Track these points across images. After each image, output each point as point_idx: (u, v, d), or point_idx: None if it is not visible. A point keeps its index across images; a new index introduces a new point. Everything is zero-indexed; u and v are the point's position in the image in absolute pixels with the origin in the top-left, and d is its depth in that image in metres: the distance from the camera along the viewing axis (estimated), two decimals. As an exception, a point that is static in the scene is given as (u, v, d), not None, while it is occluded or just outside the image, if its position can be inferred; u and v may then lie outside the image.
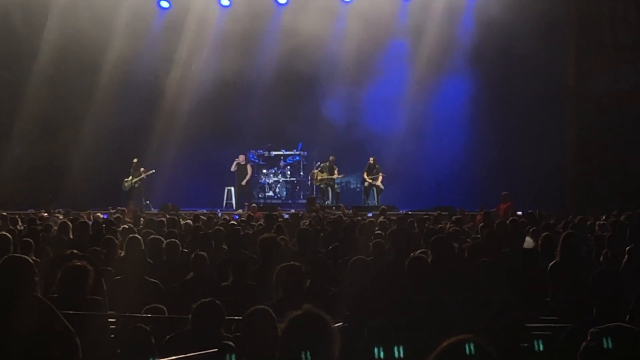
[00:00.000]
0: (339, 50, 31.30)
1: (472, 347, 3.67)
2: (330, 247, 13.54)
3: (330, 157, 30.56)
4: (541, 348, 5.74)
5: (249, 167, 30.93)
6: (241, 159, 30.94)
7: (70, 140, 31.52)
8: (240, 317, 6.79)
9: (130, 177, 30.32)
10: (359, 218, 21.27)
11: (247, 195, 30.72)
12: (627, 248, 11.07)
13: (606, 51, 29.28)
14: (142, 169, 30.20)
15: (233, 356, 6.10)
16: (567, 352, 6.05)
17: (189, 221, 19.00)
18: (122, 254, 12.39)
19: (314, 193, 30.71)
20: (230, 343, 6.85)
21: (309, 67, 30.61)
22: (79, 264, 8.65)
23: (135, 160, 30.37)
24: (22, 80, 30.99)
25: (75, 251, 11.41)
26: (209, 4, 31.72)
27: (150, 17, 32.11)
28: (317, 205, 27.61)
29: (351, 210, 26.40)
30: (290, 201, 31.93)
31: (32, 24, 30.53)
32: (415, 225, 17.04)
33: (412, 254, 9.77)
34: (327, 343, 4.87)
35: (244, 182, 30.80)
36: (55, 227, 16.55)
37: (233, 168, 30.87)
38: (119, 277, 10.94)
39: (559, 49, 29.70)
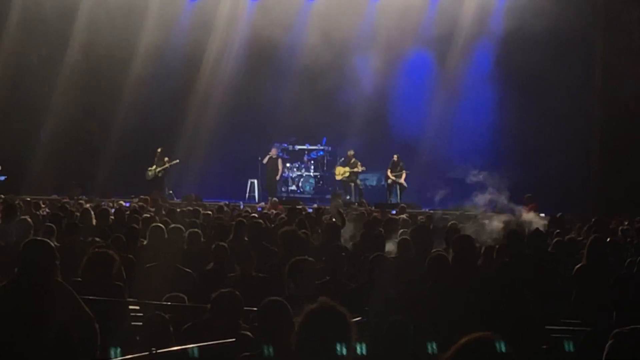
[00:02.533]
0: (367, 46, 31.24)
1: (493, 345, 3.66)
2: (352, 243, 13.51)
3: (350, 152, 30.46)
4: (571, 349, 5.69)
5: (279, 162, 30.91)
6: (273, 152, 30.94)
7: (96, 128, 31.65)
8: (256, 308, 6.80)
9: (155, 166, 30.33)
10: (386, 215, 21.18)
11: (273, 189, 30.65)
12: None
13: (634, 55, 29.06)
14: (166, 159, 30.21)
15: (271, 348, 6.08)
16: (587, 354, 6.03)
17: (209, 212, 19.04)
18: (144, 243, 12.43)
19: (338, 188, 30.61)
20: (248, 333, 6.86)
21: (336, 62, 30.57)
22: (104, 250, 8.69)
23: (159, 149, 30.39)
24: (50, 67, 31.09)
25: (97, 238, 11.49)
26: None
27: (180, 8, 32.14)
28: (342, 200, 27.59)
29: (374, 207, 26.34)
30: (313, 196, 31.88)
31: (63, 11, 30.60)
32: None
33: (433, 251, 9.74)
34: (344, 335, 4.87)
35: (278, 177, 30.84)
36: (78, 214, 16.64)
37: (265, 160, 30.88)
38: (140, 265, 10.96)
39: (587, 52, 29.54)
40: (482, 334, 3.72)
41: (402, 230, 14.68)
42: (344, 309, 4.98)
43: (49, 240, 7.66)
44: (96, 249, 8.87)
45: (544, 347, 7.97)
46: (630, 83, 28.42)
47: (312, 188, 32.62)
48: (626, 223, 19.04)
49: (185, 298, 9.22)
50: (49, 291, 7.00)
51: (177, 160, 30.03)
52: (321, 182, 32.74)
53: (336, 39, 29.78)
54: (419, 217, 19.39)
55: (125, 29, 30.35)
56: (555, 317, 9.19)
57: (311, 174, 32.69)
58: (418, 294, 8.40)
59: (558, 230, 15.94)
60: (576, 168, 29.06)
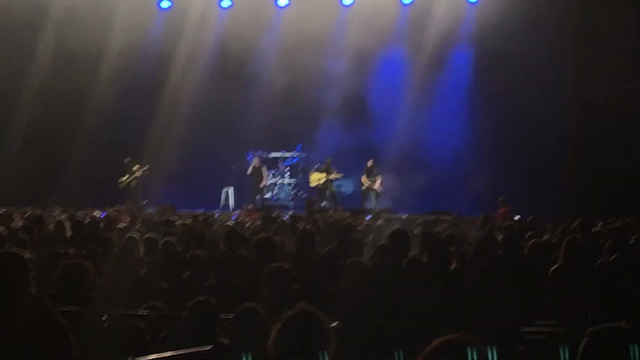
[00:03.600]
0: (339, 52, 31.23)
1: (466, 347, 3.67)
2: (328, 249, 13.50)
3: (327, 159, 30.46)
4: (567, 357, 5.70)
5: (263, 170, 30.84)
6: (256, 161, 30.91)
7: (68, 138, 31.47)
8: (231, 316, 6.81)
9: (126, 176, 30.14)
10: (361, 221, 21.22)
11: (252, 197, 30.62)
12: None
13: (606, 57, 29.25)
14: (136, 167, 30.01)
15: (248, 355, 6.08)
16: (563, 354, 6.05)
17: (186, 221, 19.01)
18: (118, 253, 12.39)
19: (313, 195, 30.58)
20: (225, 341, 6.85)
21: (308, 69, 30.57)
22: (77, 261, 8.65)
23: (127, 159, 30.20)
24: (19, 75, 30.96)
25: (71, 249, 11.46)
26: (210, 5, 31.68)
27: (150, 17, 32.04)
28: (316, 207, 27.61)
29: (348, 213, 26.36)
30: (289, 203, 31.86)
31: (32, 18, 30.48)
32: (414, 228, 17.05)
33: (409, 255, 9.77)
34: (322, 341, 4.88)
35: (262, 185, 30.78)
36: (52, 225, 16.58)
37: (249, 171, 30.81)
38: (115, 276, 10.92)
39: (559, 54, 29.69)
40: (456, 336, 3.74)
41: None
42: (322, 314, 5.00)
43: (21, 252, 7.60)
44: (70, 260, 8.84)
45: (520, 348, 8.02)
46: (603, 84, 28.60)
47: (287, 195, 32.59)
48: (600, 224, 19.14)
49: (165, 307, 9.20)
50: (22, 303, 6.95)
51: (148, 166, 29.82)
52: (296, 189, 32.70)
53: (308, 45, 29.76)
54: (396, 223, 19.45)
55: (93, 36, 30.16)
56: (530, 319, 9.23)
57: (286, 181, 32.66)
58: (395, 298, 8.41)
59: (532, 232, 16.03)
60: (550, 170, 29.21)
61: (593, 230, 17.11)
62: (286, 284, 8.39)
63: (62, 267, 8.52)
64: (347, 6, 31.59)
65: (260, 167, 30.73)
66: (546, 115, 29.30)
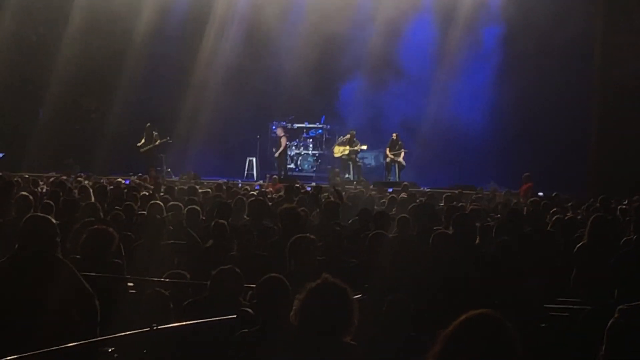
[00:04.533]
0: (366, 26, 31.12)
1: (493, 322, 3.67)
2: (350, 221, 13.50)
3: (351, 131, 30.41)
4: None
5: (283, 140, 30.80)
6: (278, 131, 30.95)
7: (95, 105, 31.59)
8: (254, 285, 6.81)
9: (143, 141, 30.17)
10: (384, 193, 21.21)
11: (281, 164, 30.67)
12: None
13: (634, 35, 28.99)
14: (155, 134, 30.06)
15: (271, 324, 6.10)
16: (588, 332, 6.04)
17: (208, 190, 19.05)
18: (142, 220, 12.43)
19: (337, 167, 30.59)
20: (249, 310, 6.86)
21: (336, 39, 30.51)
22: (103, 227, 8.67)
23: (148, 124, 30.29)
24: (50, 44, 31.02)
25: (95, 216, 11.48)
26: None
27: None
28: (339, 179, 27.62)
29: (372, 185, 26.35)
30: (312, 174, 31.88)
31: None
32: (442, 203, 17.00)
33: (435, 229, 9.73)
34: (346, 311, 4.89)
35: (276, 154, 30.81)
36: (76, 191, 16.63)
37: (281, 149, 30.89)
38: (139, 243, 10.97)
39: (587, 32, 29.42)
40: (482, 311, 3.73)
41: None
42: (345, 285, 5.00)
43: (49, 217, 7.63)
44: (95, 226, 8.85)
45: (543, 325, 8.00)
46: (630, 62, 28.35)
47: (310, 166, 32.62)
48: (625, 202, 19.04)
49: (187, 275, 9.23)
50: (49, 267, 6.99)
51: (168, 138, 29.86)
52: (319, 161, 32.72)
53: (334, 16, 29.69)
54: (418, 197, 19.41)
55: (124, 8, 30.24)
56: (554, 296, 9.21)
57: (310, 152, 32.68)
58: (418, 272, 8.39)
59: (555, 209, 15.97)
60: (574, 148, 29.06)
61: (619, 207, 17.03)
62: (311, 255, 8.38)
63: (88, 233, 8.53)
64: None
65: (281, 137, 30.68)
66: (572, 92, 29.13)
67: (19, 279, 6.89)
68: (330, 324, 4.93)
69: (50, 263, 7.00)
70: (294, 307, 5.12)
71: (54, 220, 7.49)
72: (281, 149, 30.69)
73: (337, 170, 29.41)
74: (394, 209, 15.19)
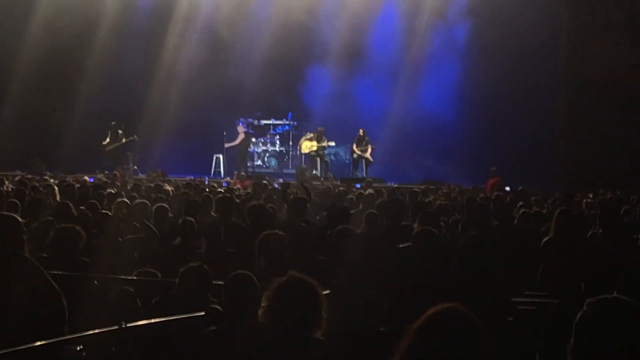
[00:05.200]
0: (332, 21, 31.12)
1: (460, 315, 3.69)
2: (318, 217, 13.52)
3: (319, 128, 30.44)
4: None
5: (240, 136, 30.74)
6: (239, 128, 30.89)
7: (60, 103, 31.37)
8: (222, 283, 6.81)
9: (108, 140, 30.06)
10: (352, 189, 21.25)
11: (238, 163, 30.61)
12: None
13: (599, 30, 29.25)
14: (120, 132, 29.95)
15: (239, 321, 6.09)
16: (555, 326, 6.08)
17: (177, 186, 19.01)
18: (109, 218, 12.37)
19: (304, 163, 30.62)
20: (218, 307, 6.86)
21: (301, 37, 30.56)
22: (70, 226, 8.63)
23: (113, 122, 30.17)
24: (12, 42, 30.73)
25: (64, 215, 11.42)
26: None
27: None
28: (307, 175, 27.64)
29: (339, 182, 26.39)
30: (279, 171, 31.88)
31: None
32: (407, 198, 17.03)
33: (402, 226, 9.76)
34: (315, 307, 4.90)
35: (226, 146, 30.77)
36: (43, 190, 16.54)
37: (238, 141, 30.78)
38: (106, 241, 10.92)
39: (552, 27, 29.64)
40: (450, 305, 3.75)
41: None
42: (312, 280, 5.01)
43: (15, 216, 7.58)
44: (62, 225, 8.81)
45: (510, 319, 8.05)
46: (595, 57, 28.61)
47: (277, 163, 32.61)
48: (590, 196, 19.21)
49: (158, 274, 9.20)
50: (15, 266, 6.95)
51: (135, 137, 29.78)
52: (287, 157, 32.74)
53: (301, 13, 29.68)
54: (383, 191, 19.43)
55: (87, 4, 30.05)
56: (521, 290, 9.27)
57: (277, 149, 32.68)
58: (386, 267, 8.41)
59: (522, 203, 16.07)
60: (542, 142, 29.29)
61: (584, 201, 17.18)
62: (280, 252, 8.40)
63: (55, 231, 8.49)
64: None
65: (239, 133, 30.67)
66: (539, 87, 29.34)
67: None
68: (298, 319, 4.94)
69: (16, 262, 6.96)
70: (262, 304, 5.13)
71: (19, 219, 7.45)
72: (233, 143, 30.63)
73: (304, 167, 29.42)
74: (361, 205, 15.21)
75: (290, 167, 32.16)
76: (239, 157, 30.67)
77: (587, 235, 11.19)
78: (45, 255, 8.26)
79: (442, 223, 11.42)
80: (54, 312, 6.98)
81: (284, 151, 32.75)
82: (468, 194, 20.12)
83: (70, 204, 12.75)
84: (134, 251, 10.67)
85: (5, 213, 7.80)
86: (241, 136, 30.62)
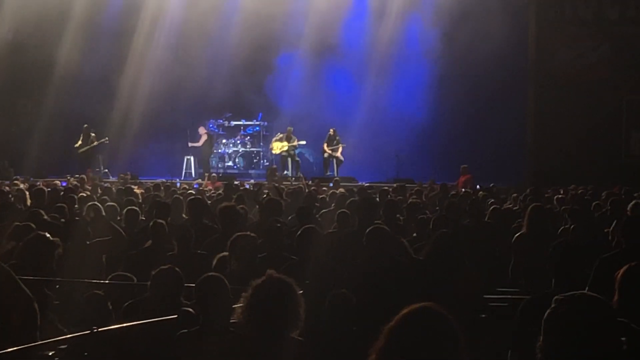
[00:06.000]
0: (300, 22, 31.08)
1: (434, 314, 3.70)
2: (290, 218, 13.51)
3: (289, 128, 30.46)
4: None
5: (202, 138, 30.74)
6: (200, 130, 30.85)
7: (29, 107, 31.17)
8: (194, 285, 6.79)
9: (80, 143, 29.90)
10: (323, 189, 21.25)
11: (204, 164, 30.59)
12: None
13: (567, 26, 29.44)
14: (92, 134, 29.81)
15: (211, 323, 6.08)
16: (525, 322, 6.11)
17: (147, 189, 18.95)
18: (80, 221, 12.31)
19: (274, 164, 30.61)
20: (190, 310, 6.83)
21: (270, 37, 30.51)
22: (41, 233, 8.55)
23: (85, 125, 30.02)
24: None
25: (35, 220, 11.34)
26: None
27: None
28: (278, 175, 27.63)
29: (310, 181, 26.39)
30: (250, 171, 31.86)
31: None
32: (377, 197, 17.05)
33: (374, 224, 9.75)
34: (293, 307, 4.91)
35: (190, 145, 30.77)
36: (12, 195, 16.44)
37: (201, 143, 30.72)
38: (76, 245, 10.86)
39: (520, 23, 29.77)
40: (424, 304, 3.75)
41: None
42: (291, 280, 5.02)
43: None
44: (34, 233, 8.74)
45: (483, 316, 8.08)
46: (562, 53, 28.79)
47: (248, 164, 32.58)
48: (561, 192, 19.34)
49: (133, 278, 9.14)
50: None
51: (106, 139, 29.67)
52: (257, 158, 32.71)
53: (269, 13, 29.63)
54: (354, 190, 19.46)
55: (55, 6, 29.84)
56: (493, 286, 9.30)
57: (247, 149, 32.63)
58: (359, 266, 8.42)
59: (492, 200, 16.15)
60: (511, 139, 29.42)
61: (555, 197, 17.28)
62: (252, 253, 8.39)
63: (27, 240, 8.43)
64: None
65: (202, 135, 30.69)
66: (507, 83, 29.47)
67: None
68: (277, 319, 4.94)
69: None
70: (240, 305, 5.12)
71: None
72: (196, 144, 30.64)
73: (274, 167, 29.39)
74: (332, 204, 15.21)
75: (261, 167, 32.14)
76: (204, 159, 30.67)
77: (558, 231, 11.24)
78: (14, 262, 8.18)
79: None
80: (26, 317, 6.93)
81: (255, 152, 32.70)
82: (439, 191, 20.17)
83: (41, 210, 12.69)
84: (102, 254, 10.61)
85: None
86: (203, 137, 30.60)
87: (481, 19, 28.65)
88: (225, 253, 8.60)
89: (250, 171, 31.96)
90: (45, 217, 11.95)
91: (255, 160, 32.70)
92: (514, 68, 29.64)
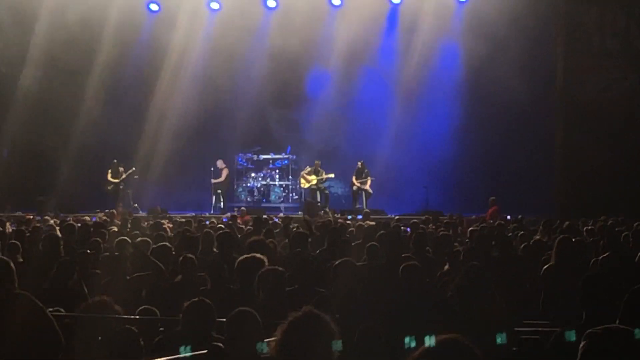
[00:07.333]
0: (327, 54, 31.21)
1: (460, 347, 3.69)
2: (318, 251, 13.50)
3: (316, 161, 30.52)
4: (573, 339, 5.66)
5: (224, 172, 30.91)
6: (219, 163, 30.99)
7: (59, 143, 31.35)
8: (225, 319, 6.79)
9: (110, 178, 30.11)
10: (349, 222, 21.24)
11: (223, 198, 30.78)
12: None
13: (594, 57, 29.37)
14: (121, 169, 30.04)
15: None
16: (556, 354, 6.08)
17: (178, 222, 19.03)
18: (110, 256, 12.38)
19: (307, 197, 30.62)
20: (220, 344, 6.83)
21: (297, 71, 30.68)
22: (70, 261, 8.66)
23: (114, 161, 30.25)
24: (11, 81, 30.77)
25: (62, 253, 11.44)
26: (199, 8, 31.57)
27: (139, 20, 31.89)
28: (316, 206, 27.72)
29: (339, 214, 26.38)
30: (279, 205, 31.90)
31: (21, 27, 30.20)
32: (408, 230, 17.06)
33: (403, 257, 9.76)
34: (328, 343, 4.86)
35: (213, 182, 30.89)
36: (44, 230, 16.57)
37: (223, 177, 30.88)
38: (107, 280, 10.93)
39: (548, 54, 29.76)
40: (450, 336, 3.75)
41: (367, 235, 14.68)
42: (328, 317, 4.98)
43: (6, 259, 7.73)
44: (63, 262, 8.86)
45: (514, 349, 8.03)
46: (591, 84, 28.72)
47: (277, 197, 32.63)
48: (590, 223, 19.21)
49: (157, 311, 9.17)
50: (9, 302, 7.06)
51: (134, 169, 29.87)
52: (286, 191, 32.75)
53: (297, 47, 29.79)
54: (380, 222, 19.43)
55: (84, 43, 30.10)
56: (524, 319, 9.25)
57: (276, 183, 32.68)
58: (388, 300, 8.41)
59: (522, 232, 16.07)
60: (538, 170, 29.32)
61: (585, 228, 17.17)
62: (280, 286, 8.40)
63: (55, 268, 8.54)
64: (336, 7, 31.52)
65: (222, 169, 30.82)
66: (534, 115, 29.44)
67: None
68: (312, 356, 4.90)
69: (9, 298, 7.07)
70: (274, 339, 5.09)
71: (19, 259, 7.53)
72: (219, 180, 30.78)
73: (312, 201, 29.38)
74: (361, 237, 15.19)
75: (290, 201, 32.20)
76: (222, 192, 30.86)
77: (588, 263, 11.18)
78: (46, 296, 8.28)
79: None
80: (49, 344, 7.02)
81: (284, 185, 32.75)
82: (469, 223, 20.11)
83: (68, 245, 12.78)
84: (142, 289, 10.65)
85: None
86: (225, 172, 30.76)
87: (509, 50, 28.65)
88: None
89: (279, 204, 31.99)
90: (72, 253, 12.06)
91: (284, 194, 32.73)
92: (541, 99, 29.58)
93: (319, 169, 30.33)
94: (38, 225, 18.30)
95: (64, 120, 31.13)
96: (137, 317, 9.01)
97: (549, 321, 9.22)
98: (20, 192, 29.58)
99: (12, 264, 7.43)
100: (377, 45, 31.71)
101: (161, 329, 8.71)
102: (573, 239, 11.55)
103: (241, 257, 9.05)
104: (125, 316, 8.99)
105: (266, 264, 8.98)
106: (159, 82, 31.38)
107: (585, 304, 6.48)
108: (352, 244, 13.61)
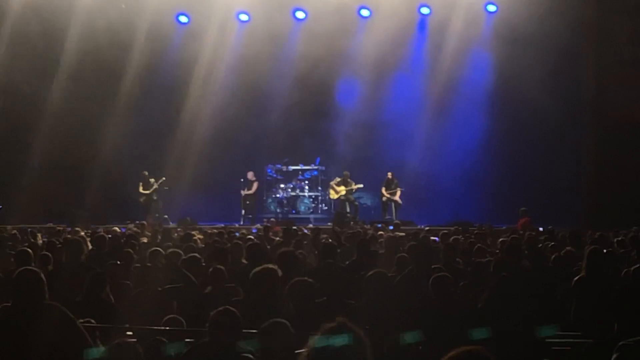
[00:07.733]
0: (357, 65, 31.24)
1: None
2: (348, 262, 13.47)
3: (345, 172, 30.53)
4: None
5: (254, 185, 31.03)
6: (249, 175, 31.10)
7: (89, 155, 31.51)
8: (256, 330, 6.78)
9: (142, 190, 30.32)
10: (380, 232, 21.18)
11: (252, 210, 30.88)
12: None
13: (625, 67, 29.19)
14: (152, 180, 30.20)
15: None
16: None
17: (207, 235, 19.05)
18: (141, 267, 12.41)
19: (337, 208, 30.63)
20: (250, 356, 6.81)
21: (326, 82, 30.70)
22: (101, 273, 8.71)
23: (145, 172, 30.42)
24: (41, 94, 30.93)
25: (93, 265, 11.50)
26: (228, 19, 31.68)
27: (169, 32, 32.06)
28: (347, 217, 27.72)
29: (369, 225, 26.33)
30: (309, 216, 31.90)
31: (51, 39, 30.39)
32: (439, 240, 17.02)
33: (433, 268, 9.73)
34: (361, 356, 4.83)
35: (243, 193, 30.96)
36: (74, 241, 16.63)
37: (254, 189, 31.03)
38: (138, 291, 10.96)
39: (578, 63, 29.58)
40: (471, 348, 3.74)
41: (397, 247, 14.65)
42: (360, 330, 4.95)
43: (36, 270, 7.76)
44: (94, 273, 8.92)
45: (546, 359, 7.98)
46: (621, 94, 28.52)
47: (307, 208, 32.62)
48: (621, 234, 19.07)
49: (183, 321, 9.19)
50: (40, 313, 7.11)
51: (164, 178, 30.03)
52: (316, 202, 32.74)
53: (326, 58, 29.82)
54: (408, 233, 19.39)
55: (113, 55, 30.25)
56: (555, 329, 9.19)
57: (306, 194, 32.69)
58: (418, 311, 8.39)
59: (553, 243, 15.99)
60: (569, 181, 29.12)
61: (615, 239, 17.05)
62: (310, 297, 8.38)
63: (88, 280, 8.60)
64: (365, 17, 31.54)
65: (253, 181, 30.95)
66: (565, 125, 29.27)
67: (10, 327, 7.06)
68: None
69: (40, 309, 7.13)
70: (305, 350, 5.07)
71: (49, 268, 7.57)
72: (251, 192, 30.86)
73: (344, 212, 29.37)
74: (391, 248, 15.16)
75: (319, 212, 32.21)
76: (250, 203, 30.95)
77: (620, 274, 11.10)
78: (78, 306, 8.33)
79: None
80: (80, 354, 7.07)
81: (313, 196, 32.75)
82: (499, 234, 20.03)
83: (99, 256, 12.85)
84: (173, 300, 10.68)
85: (28, 268, 7.98)
86: (255, 184, 30.88)
87: (539, 60, 28.55)
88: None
89: (309, 216, 32.00)
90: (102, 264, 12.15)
91: (313, 205, 32.73)
92: (571, 109, 29.43)
93: (348, 179, 30.32)
94: (69, 236, 18.37)
95: (94, 132, 31.26)
96: (166, 328, 9.02)
97: (580, 332, 9.16)
98: (52, 203, 29.69)
99: (42, 275, 7.46)
100: (406, 56, 31.69)
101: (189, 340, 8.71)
102: (604, 250, 11.47)
103: (255, 269, 9.04)
104: (155, 327, 9.03)
105: (279, 274, 8.97)
106: (188, 94, 31.52)
107: (619, 315, 6.41)
108: (380, 253, 13.61)
